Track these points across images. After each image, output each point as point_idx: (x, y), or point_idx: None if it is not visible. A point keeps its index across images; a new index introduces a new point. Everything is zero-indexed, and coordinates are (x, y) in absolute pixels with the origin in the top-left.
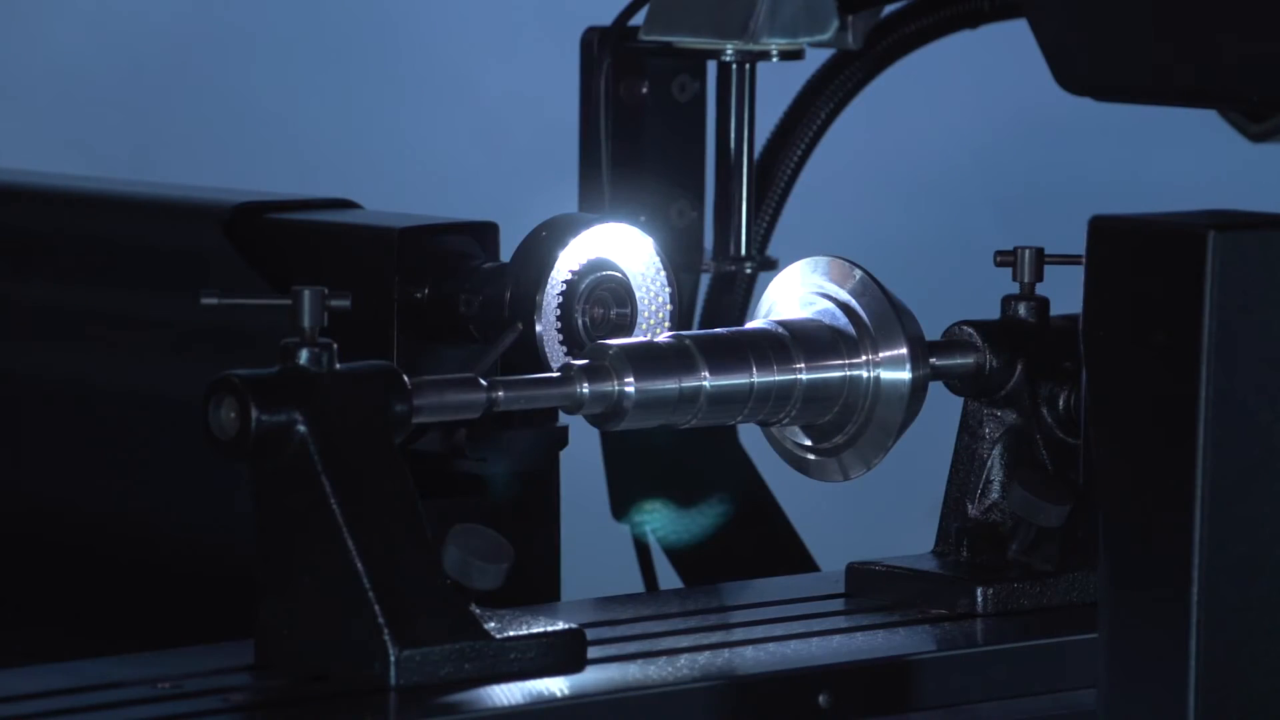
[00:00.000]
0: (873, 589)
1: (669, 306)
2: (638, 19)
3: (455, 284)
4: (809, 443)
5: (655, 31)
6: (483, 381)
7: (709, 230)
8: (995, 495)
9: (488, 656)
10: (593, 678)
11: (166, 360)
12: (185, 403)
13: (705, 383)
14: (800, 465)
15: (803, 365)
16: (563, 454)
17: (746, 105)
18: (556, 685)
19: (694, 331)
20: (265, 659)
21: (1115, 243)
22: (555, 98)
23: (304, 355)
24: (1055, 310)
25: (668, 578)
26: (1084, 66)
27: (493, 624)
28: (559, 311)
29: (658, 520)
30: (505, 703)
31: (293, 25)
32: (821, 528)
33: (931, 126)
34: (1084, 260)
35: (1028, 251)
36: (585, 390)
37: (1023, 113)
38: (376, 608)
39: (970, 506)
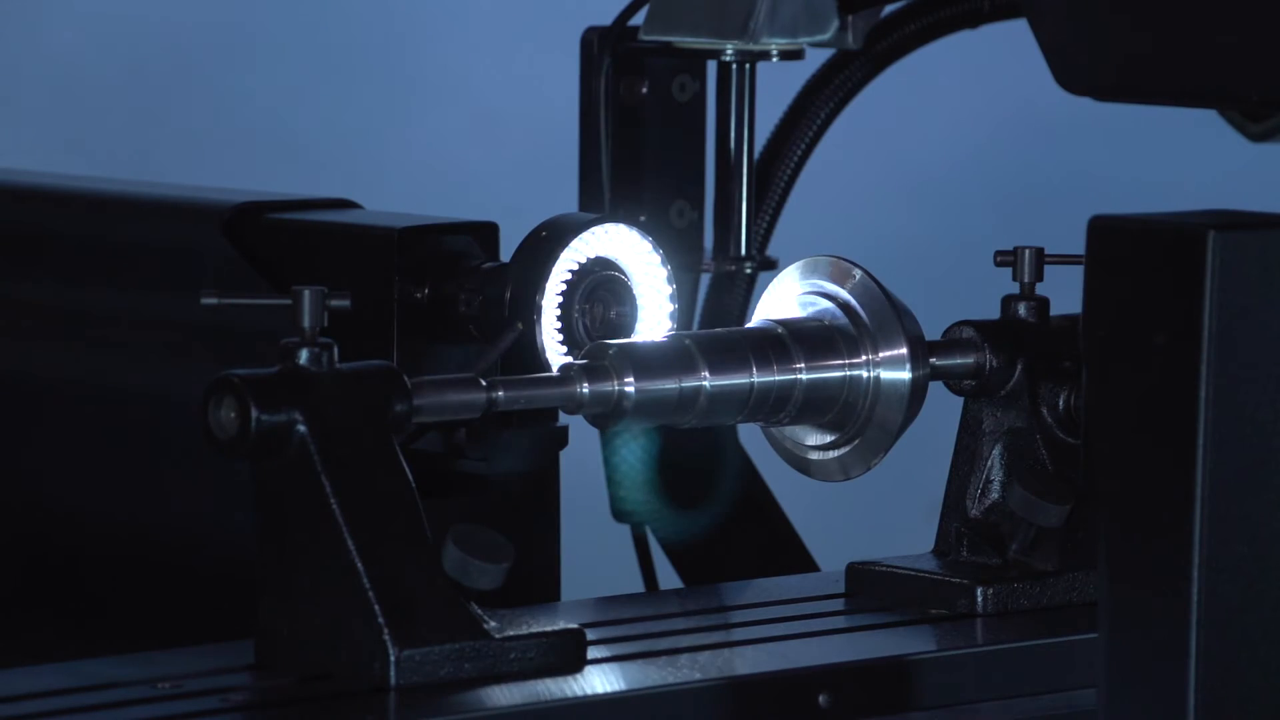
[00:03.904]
0: (873, 589)
1: (669, 306)
2: (638, 19)
3: (455, 284)
4: (809, 443)
5: (655, 31)
6: (483, 381)
7: (709, 230)
8: (995, 495)
9: (488, 656)
10: (593, 678)
11: (166, 360)
12: (185, 403)
13: (705, 383)
14: (800, 465)
15: (803, 365)
16: (563, 454)
17: (746, 105)
18: (556, 685)
19: (694, 331)
20: (265, 659)
21: (1115, 243)
22: (555, 98)
23: (304, 355)
24: (1055, 310)
25: (668, 578)
26: (1084, 66)
27: (493, 624)
28: (559, 311)
29: (658, 520)
30: (505, 703)
31: (293, 25)
32: (821, 528)
33: (931, 126)
34: (1084, 260)
35: (1028, 251)
36: (585, 390)
37: (1023, 113)
38: (376, 608)
39: (970, 506)
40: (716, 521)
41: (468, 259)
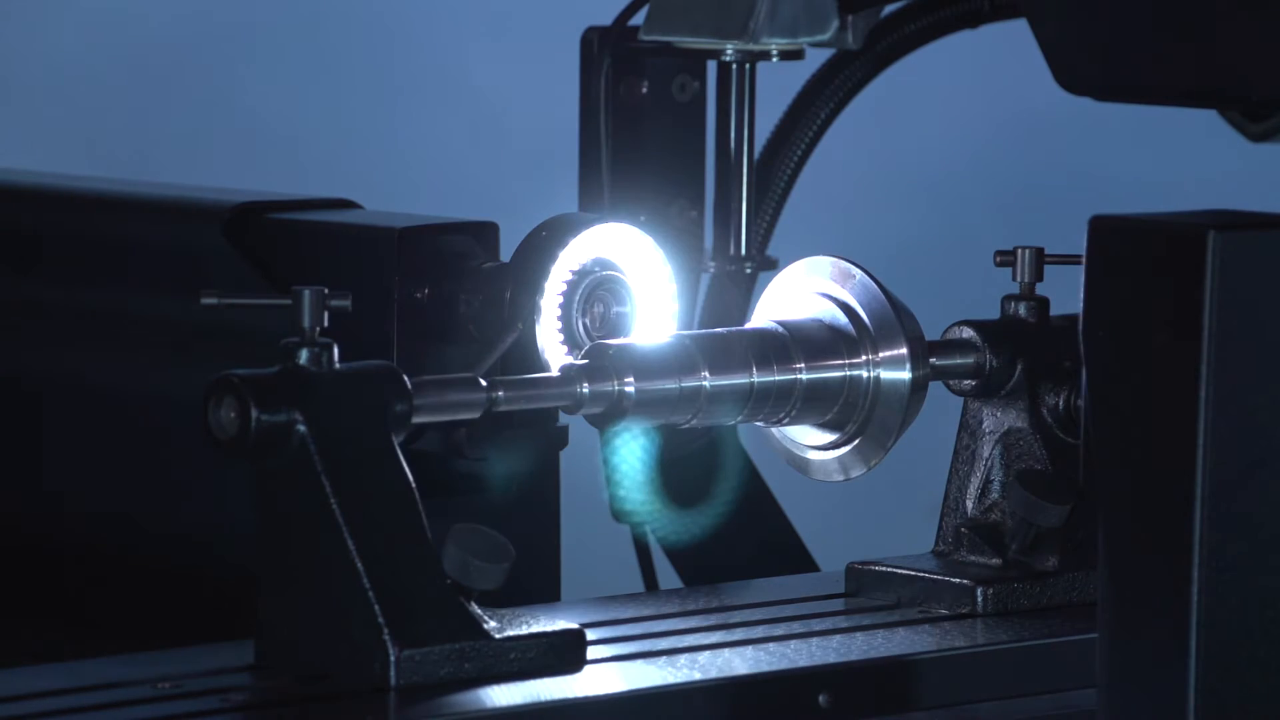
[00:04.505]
0: (873, 589)
1: (669, 306)
2: (638, 19)
3: (455, 284)
4: (809, 443)
5: (655, 31)
6: (483, 381)
7: (709, 230)
8: (995, 495)
9: (488, 656)
10: (593, 678)
11: (166, 360)
12: (185, 403)
13: (705, 383)
14: (800, 465)
15: (803, 365)
16: (563, 454)
17: (746, 105)
18: (556, 685)
19: (694, 331)
20: (265, 659)
21: (1115, 243)
22: (555, 98)
23: (304, 355)
24: (1055, 310)
25: (668, 578)
26: (1084, 66)
27: (493, 624)
28: (559, 311)
29: (658, 520)
30: (505, 703)
31: (293, 25)
32: (821, 528)
33: (931, 126)
34: (1084, 260)
35: (1028, 251)
36: (585, 390)
37: (1023, 113)
38: (376, 608)
39: (970, 506)
40: (716, 521)
41: (468, 259)
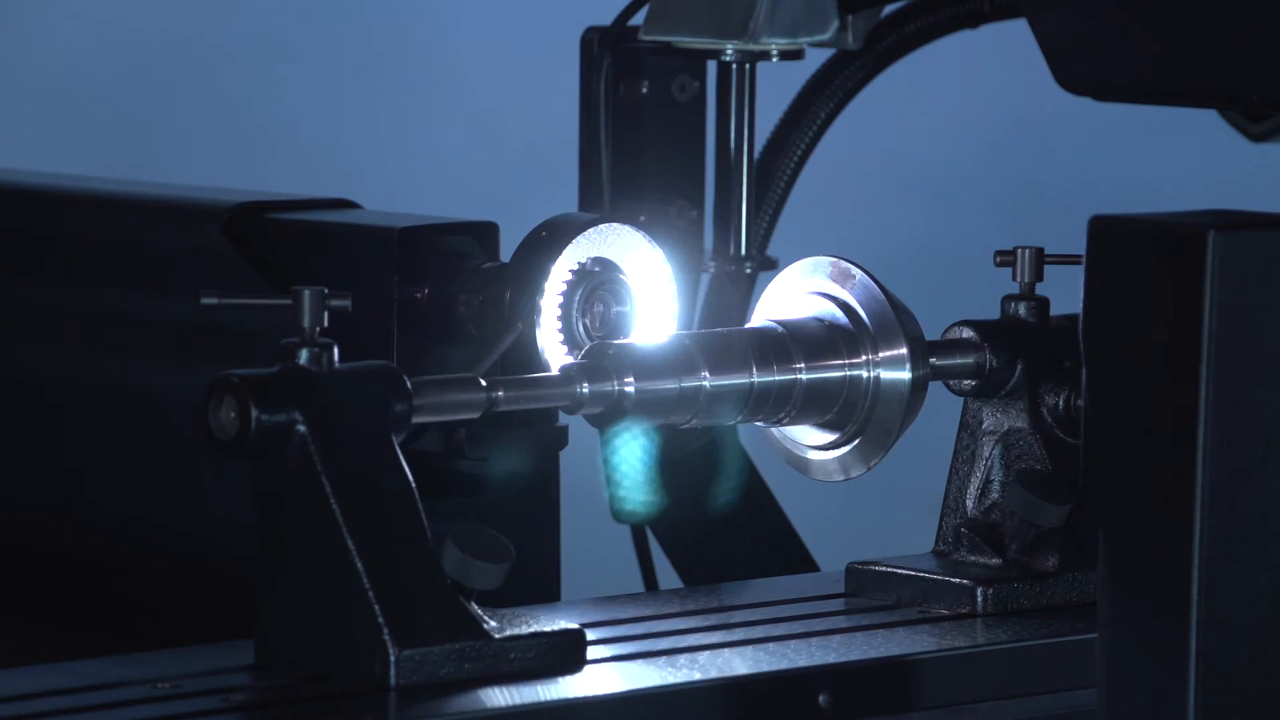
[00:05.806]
0: (873, 589)
1: (669, 306)
2: (638, 19)
3: (455, 284)
4: (809, 443)
5: (655, 31)
6: (483, 381)
7: (709, 230)
8: (995, 495)
9: (488, 656)
10: (593, 678)
11: (166, 360)
12: (185, 403)
13: (705, 383)
14: (800, 465)
15: (803, 365)
16: (563, 454)
17: (746, 105)
18: (556, 685)
19: (694, 331)
20: (265, 659)
21: (1115, 243)
22: (555, 98)
23: (304, 355)
24: (1055, 310)
25: (668, 578)
26: (1084, 66)
27: (493, 624)
28: (559, 311)
29: (658, 520)
30: (505, 703)
31: (293, 25)
32: (821, 528)
33: (931, 126)
34: (1084, 260)
35: (1028, 251)
36: (585, 390)
37: (1023, 113)
38: (376, 608)
39: (970, 506)
40: (716, 521)
41: (468, 259)
